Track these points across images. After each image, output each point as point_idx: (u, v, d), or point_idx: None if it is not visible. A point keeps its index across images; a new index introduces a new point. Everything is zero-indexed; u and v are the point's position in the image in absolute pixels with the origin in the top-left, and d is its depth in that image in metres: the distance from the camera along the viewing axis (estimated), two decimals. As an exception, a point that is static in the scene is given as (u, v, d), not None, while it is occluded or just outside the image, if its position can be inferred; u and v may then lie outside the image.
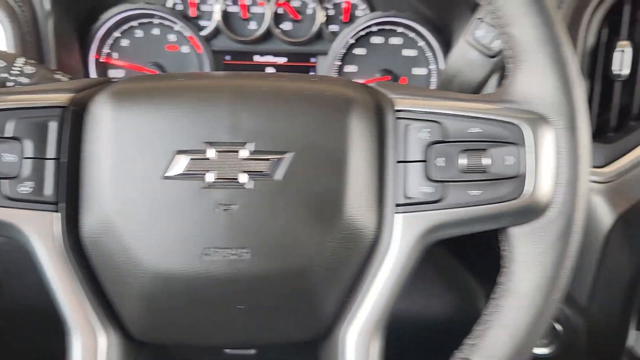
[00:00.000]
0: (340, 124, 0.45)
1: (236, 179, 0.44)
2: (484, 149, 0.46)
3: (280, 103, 0.45)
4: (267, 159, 0.44)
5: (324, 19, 0.86)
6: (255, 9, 0.87)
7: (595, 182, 0.73)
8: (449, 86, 0.67)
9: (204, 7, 0.87)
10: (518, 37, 0.46)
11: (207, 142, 0.44)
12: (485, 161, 0.45)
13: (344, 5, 0.87)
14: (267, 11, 0.86)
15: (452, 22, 0.85)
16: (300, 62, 0.90)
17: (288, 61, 0.89)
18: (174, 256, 0.44)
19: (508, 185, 0.45)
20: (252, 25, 0.87)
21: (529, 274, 0.46)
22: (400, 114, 0.47)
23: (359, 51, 0.89)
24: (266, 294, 0.45)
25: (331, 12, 0.87)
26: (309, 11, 0.87)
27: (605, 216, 0.73)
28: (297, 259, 0.45)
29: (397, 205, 0.46)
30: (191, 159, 0.44)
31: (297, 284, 0.45)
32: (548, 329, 0.82)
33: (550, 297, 0.45)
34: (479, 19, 0.62)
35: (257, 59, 0.90)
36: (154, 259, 0.44)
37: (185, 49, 0.87)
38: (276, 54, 0.89)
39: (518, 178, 0.45)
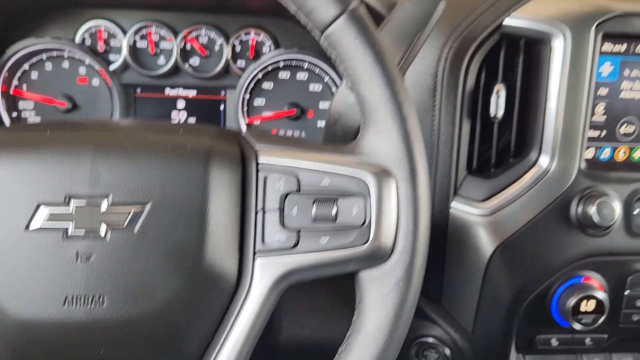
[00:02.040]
0: (200, 175, 0.49)
1: (96, 230, 0.46)
2: (335, 199, 0.50)
3: (141, 156, 0.48)
4: (126, 211, 0.47)
5: (230, 55, 0.89)
6: (163, 45, 0.90)
7: (477, 215, 0.79)
8: (333, 128, 0.71)
9: (113, 42, 0.89)
10: (366, 97, 0.50)
11: (68, 195, 0.46)
12: (334, 211, 0.49)
13: (250, 43, 0.90)
14: (175, 47, 0.89)
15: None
16: (210, 95, 0.93)
17: (198, 94, 0.92)
18: (36, 306, 0.46)
19: (355, 233, 0.49)
20: (161, 60, 0.90)
21: (374, 314, 0.50)
22: (261, 166, 0.51)
23: (266, 85, 0.93)
24: (126, 340, 0.48)
25: (238, 49, 0.90)
26: (216, 47, 0.90)
27: (487, 247, 0.79)
28: (155, 304, 0.47)
29: (256, 251, 0.50)
30: (51, 213, 0.46)
31: (156, 329, 0.48)
32: (440, 354, 0.87)
33: (394, 335, 0.49)
34: None
35: (168, 91, 0.92)
36: (17, 308, 0.46)
37: (95, 81, 0.90)
38: (186, 87, 0.92)
39: (364, 226, 0.49)
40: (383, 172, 0.50)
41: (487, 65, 0.78)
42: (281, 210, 0.50)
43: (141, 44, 0.89)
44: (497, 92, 0.76)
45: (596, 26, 0.73)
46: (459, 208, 0.80)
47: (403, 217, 0.49)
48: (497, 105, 0.76)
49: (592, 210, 0.75)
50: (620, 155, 0.79)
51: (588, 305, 0.79)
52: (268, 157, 0.51)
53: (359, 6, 0.50)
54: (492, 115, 0.77)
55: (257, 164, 0.51)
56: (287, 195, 0.50)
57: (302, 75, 0.93)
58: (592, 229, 0.76)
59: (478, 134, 0.80)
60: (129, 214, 0.47)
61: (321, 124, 0.94)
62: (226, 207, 0.49)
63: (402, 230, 0.49)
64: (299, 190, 0.50)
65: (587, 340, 0.84)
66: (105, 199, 0.47)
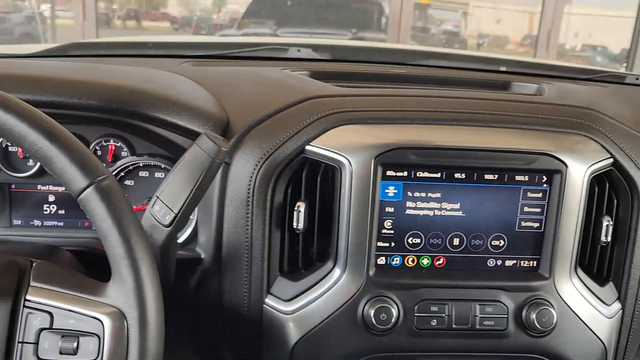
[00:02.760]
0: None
1: None
2: (77, 336, 0.62)
3: None
4: None
5: (89, 159, 1.02)
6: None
7: (284, 312, 0.91)
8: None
9: (-12, 147, 1.02)
10: (109, 252, 0.63)
11: None
12: (75, 345, 0.62)
13: (109, 148, 1.03)
14: (41, 152, 1.01)
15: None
16: (77, 190, 1.05)
17: (65, 190, 1.05)
18: None
19: None
20: (30, 162, 1.03)
21: None
22: (27, 303, 0.63)
23: (128, 182, 1.05)
24: None
25: (98, 153, 1.03)
26: (79, 151, 1.03)
27: (291, 339, 0.91)
28: None
29: None
30: None
31: None
32: None
33: None
34: (157, 196, 0.79)
35: (41, 187, 1.05)
36: None
37: (-28, 180, 1.02)
38: (54, 183, 1.04)
39: None
40: (118, 315, 0.62)
41: (294, 184, 0.91)
42: (36, 343, 0.62)
43: (13, 148, 1.02)
44: (298, 207, 0.89)
45: (375, 158, 0.86)
46: (271, 305, 0.92)
47: (133, 355, 0.62)
48: (298, 219, 0.89)
49: (372, 313, 0.87)
50: (410, 262, 0.92)
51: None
52: (34, 296, 0.63)
53: (106, 179, 0.63)
54: (294, 227, 0.89)
55: (25, 300, 0.63)
56: (41, 330, 0.62)
57: (159, 174, 1.05)
58: (373, 329, 0.88)
59: (287, 242, 0.92)
60: None
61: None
62: None
63: None
64: (51, 328, 0.62)
65: None
66: None
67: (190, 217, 1.00)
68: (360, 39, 5.22)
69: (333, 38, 4.89)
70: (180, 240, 1.00)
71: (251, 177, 0.89)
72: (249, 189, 0.89)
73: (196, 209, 0.97)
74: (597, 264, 0.98)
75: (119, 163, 1.02)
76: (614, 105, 1.09)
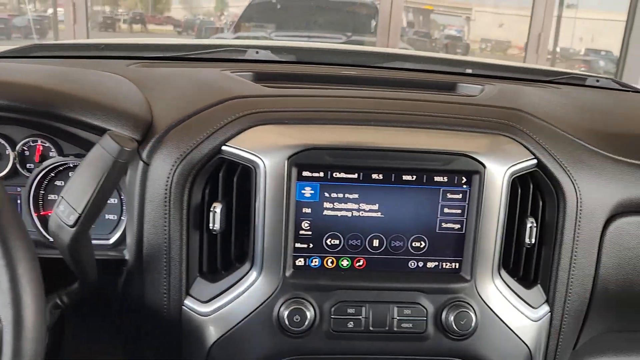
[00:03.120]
0: None
1: None
2: None
3: None
4: None
5: (17, 159, 1.02)
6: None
7: (202, 313, 0.90)
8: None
9: None
10: None
11: None
12: None
13: (36, 148, 1.03)
14: (-31, 152, 1.02)
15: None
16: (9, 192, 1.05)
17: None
18: None
19: None
20: None
21: None
22: None
23: (58, 183, 1.05)
24: None
25: (26, 153, 1.03)
26: (7, 152, 1.03)
27: (207, 341, 0.90)
28: None
29: None
30: None
31: None
32: None
33: None
34: (62, 196, 0.79)
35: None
36: None
37: None
38: None
39: None
40: None
41: (212, 184, 0.90)
42: None
43: None
44: (213, 208, 0.88)
45: (289, 158, 0.85)
46: (189, 306, 0.91)
47: (5, 356, 0.61)
48: (214, 220, 0.88)
49: (286, 315, 0.87)
50: (329, 264, 0.91)
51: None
52: None
53: None
54: (211, 228, 0.89)
55: None
56: None
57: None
58: (288, 331, 0.87)
59: (206, 243, 0.92)
60: None
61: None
62: None
63: None
64: None
65: None
66: None
67: (122, 217, 1.00)
68: (354, 43, 5.22)
69: (326, 41, 4.89)
70: (111, 241, 1.00)
71: (168, 177, 0.88)
72: (166, 190, 0.88)
73: (124, 209, 0.97)
74: (524, 266, 0.96)
75: (45, 163, 1.02)
76: (553, 107, 1.08)
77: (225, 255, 0.92)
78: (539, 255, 0.96)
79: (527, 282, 0.97)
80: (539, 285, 0.97)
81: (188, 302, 0.91)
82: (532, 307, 0.95)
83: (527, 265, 0.96)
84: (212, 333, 0.90)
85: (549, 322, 0.97)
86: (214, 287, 0.91)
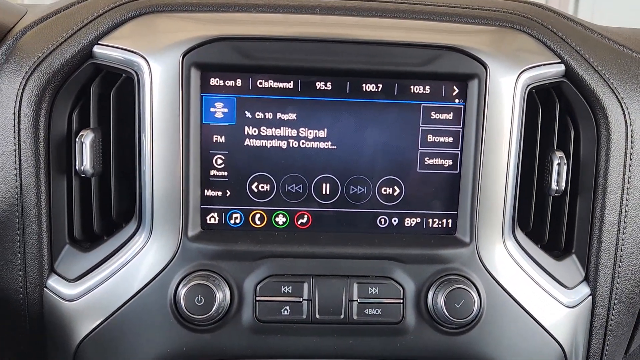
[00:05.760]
0: None
1: None
2: None
3: None
4: None
5: None
6: None
7: (76, 298, 0.61)
8: None
9: None
10: None
11: None
12: None
13: None
14: None
15: None
16: None
17: None
18: None
19: None
20: None
21: None
22: None
23: None
24: None
25: None
26: None
27: (72, 339, 0.61)
28: None
29: None
30: None
31: None
32: None
33: None
34: None
35: None
36: None
37: None
38: None
39: None
40: None
41: (83, 106, 0.61)
42: None
43: None
44: (81, 138, 0.59)
45: (184, 56, 0.56)
46: (53, 289, 0.62)
47: None
48: (83, 155, 0.59)
49: (183, 295, 0.57)
50: (257, 221, 0.61)
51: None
52: None
53: None
54: (78, 169, 0.60)
55: None
56: None
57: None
58: (189, 321, 0.58)
59: (76, 193, 0.62)
60: None
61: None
62: None
63: None
64: None
65: None
66: None
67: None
68: None
69: None
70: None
71: (16, 96, 0.59)
72: (14, 115, 0.60)
73: None
74: (551, 226, 0.65)
75: None
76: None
77: (104, 212, 0.62)
78: (572, 209, 0.65)
79: (556, 250, 0.66)
80: (573, 256, 0.66)
81: (52, 282, 0.62)
82: (566, 287, 0.64)
83: (555, 225, 0.65)
84: (80, 326, 0.60)
85: (591, 311, 0.65)
86: (87, 259, 0.62)
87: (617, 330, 0.67)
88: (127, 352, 0.59)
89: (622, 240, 0.65)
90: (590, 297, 0.65)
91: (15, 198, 0.61)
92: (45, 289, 0.62)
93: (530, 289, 0.62)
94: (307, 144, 0.60)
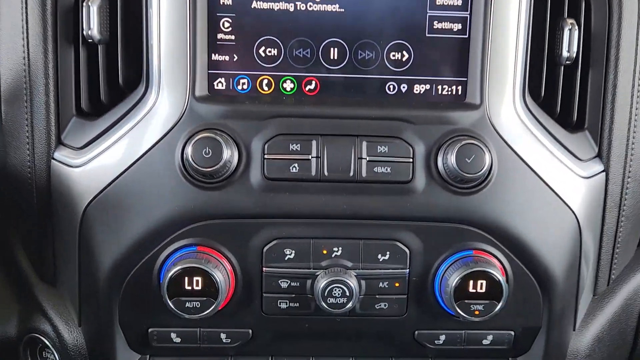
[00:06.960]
0: None
1: None
2: None
3: None
4: None
5: None
6: None
7: (75, 166, 0.60)
8: None
9: None
10: None
11: None
12: None
13: None
14: None
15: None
16: None
17: None
18: None
19: None
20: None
21: None
22: None
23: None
24: None
25: None
26: None
27: (79, 203, 0.60)
28: None
29: None
30: None
31: None
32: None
33: None
34: None
35: None
36: None
37: None
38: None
39: None
40: None
41: None
42: None
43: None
44: (88, 2, 0.59)
45: None
46: (60, 159, 0.61)
47: None
48: (90, 20, 0.59)
49: (190, 152, 0.56)
50: (265, 87, 0.60)
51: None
52: None
53: None
54: (86, 35, 0.59)
55: None
56: None
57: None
58: (196, 179, 0.57)
59: (84, 61, 0.62)
60: None
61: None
62: None
63: None
64: None
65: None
66: None
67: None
68: None
69: None
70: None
71: None
72: None
73: None
74: (562, 99, 0.64)
75: None
76: None
77: (112, 79, 0.62)
78: (584, 84, 0.64)
79: (568, 123, 0.65)
80: (586, 132, 0.65)
81: (59, 154, 0.62)
82: (578, 159, 0.63)
83: (567, 99, 0.64)
84: (87, 189, 0.60)
85: (604, 188, 0.64)
86: (94, 128, 0.61)
87: (631, 212, 0.66)
88: (135, 213, 0.58)
89: (636, 116, 0.64)
90: (604, 174, 0.64)
91: (22, 69, 0.61)
92: (52, 159, 0.62)
93: (542, 155, 0.61)
94: (315, 7, 0.59)
